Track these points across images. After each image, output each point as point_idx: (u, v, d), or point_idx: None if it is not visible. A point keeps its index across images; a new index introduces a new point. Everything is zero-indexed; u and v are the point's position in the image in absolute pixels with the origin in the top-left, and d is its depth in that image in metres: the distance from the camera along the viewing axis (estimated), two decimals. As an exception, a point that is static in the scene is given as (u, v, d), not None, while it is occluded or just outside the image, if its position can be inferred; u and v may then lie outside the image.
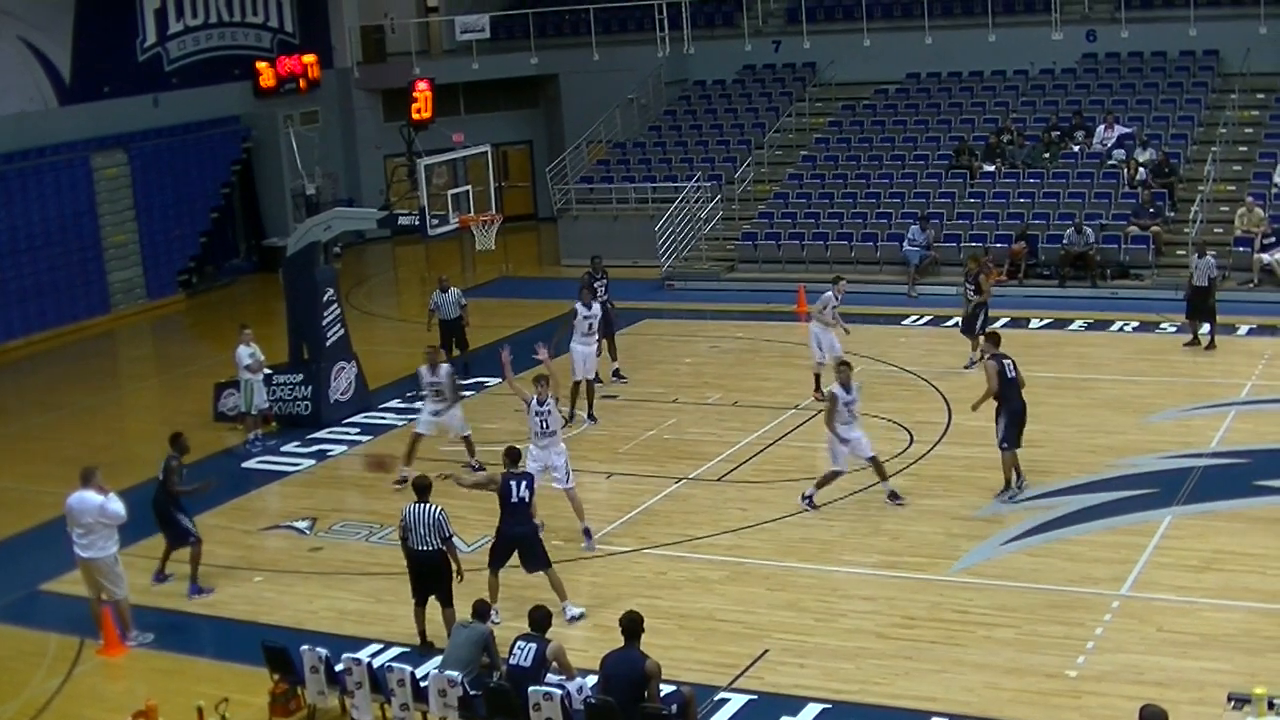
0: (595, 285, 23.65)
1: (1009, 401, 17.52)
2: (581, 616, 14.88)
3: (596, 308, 21.97)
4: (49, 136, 30.99)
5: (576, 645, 13.56)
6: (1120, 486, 17.52)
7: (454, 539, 14.43)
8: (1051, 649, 13.55)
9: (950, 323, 26.26)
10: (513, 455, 15.23)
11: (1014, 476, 17.57)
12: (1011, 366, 17.73)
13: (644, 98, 36.72)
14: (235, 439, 22.24)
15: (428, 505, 14.30)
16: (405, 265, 37.10)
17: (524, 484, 14.84)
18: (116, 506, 15.01)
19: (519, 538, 14.85)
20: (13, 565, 17.87)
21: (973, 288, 23.11)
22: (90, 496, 15.04)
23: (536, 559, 14.90)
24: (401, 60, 38.20)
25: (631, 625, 11.95)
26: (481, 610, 13.12)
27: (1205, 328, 23.47)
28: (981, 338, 21.27)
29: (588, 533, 16.83)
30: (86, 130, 31.80)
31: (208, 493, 17.45)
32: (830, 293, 21.81)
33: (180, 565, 16.57)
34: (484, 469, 18.51)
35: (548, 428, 16.80)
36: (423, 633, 14.45)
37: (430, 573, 14.25)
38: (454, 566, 14.34)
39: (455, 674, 12.28)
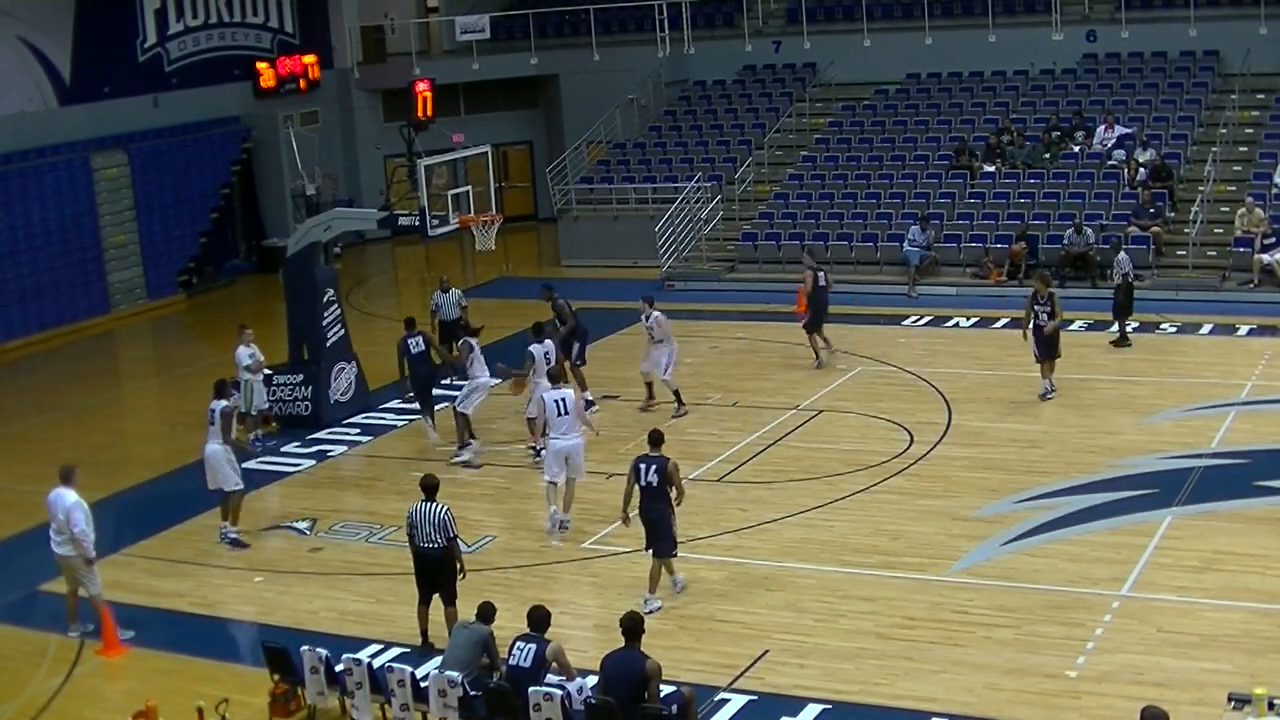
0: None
1: (816, 303, 23.54)
2: (658, 609, 14.89)
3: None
4: (49, 136, 30.99)
5: (576, 645, 13.56)
6: (1120, 487, 17.52)
7: (458, 539, 14.44)
8: (1051, 649, 13.55)
9: (950, 323, 26.31)
10: (653, 439, 15.36)
11: (819, 351, 23.54)
12: (824, 277, 23.77)
13: (644, 98, 36.72)
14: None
15: (434, 504, 14.34)
16: (405, 266, 37.09)
17: (653, 468, 14.94)
18: (79, 518, 15.03)
19: (650, 520, 14.99)
20: (12, 565, 17.88)
21: (1046, 310, 21.09)
22: (66, 494, 15.12)
23: (660, 542, 14.97)
24: (401, 60, 38.20)
25: (632, 626, 11.95)
26: (485, 612, 13.11)
27: (1127, 325, 23.84)
28: (1045, 362, 21.15)
29: (564, 525, 17.37)
30: (86, 130, 31.80)
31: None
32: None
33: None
34: None
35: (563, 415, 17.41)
36: (424, 631, 14.45)
37: (435, 570, 14.28)
38: (458, 565, 14.35)
39: (455, 674, 12.28)
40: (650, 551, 15.09)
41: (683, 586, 15.36)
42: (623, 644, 11.92)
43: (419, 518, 14.30)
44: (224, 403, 17.86)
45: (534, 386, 19.61)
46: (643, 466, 15.02)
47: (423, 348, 21.08)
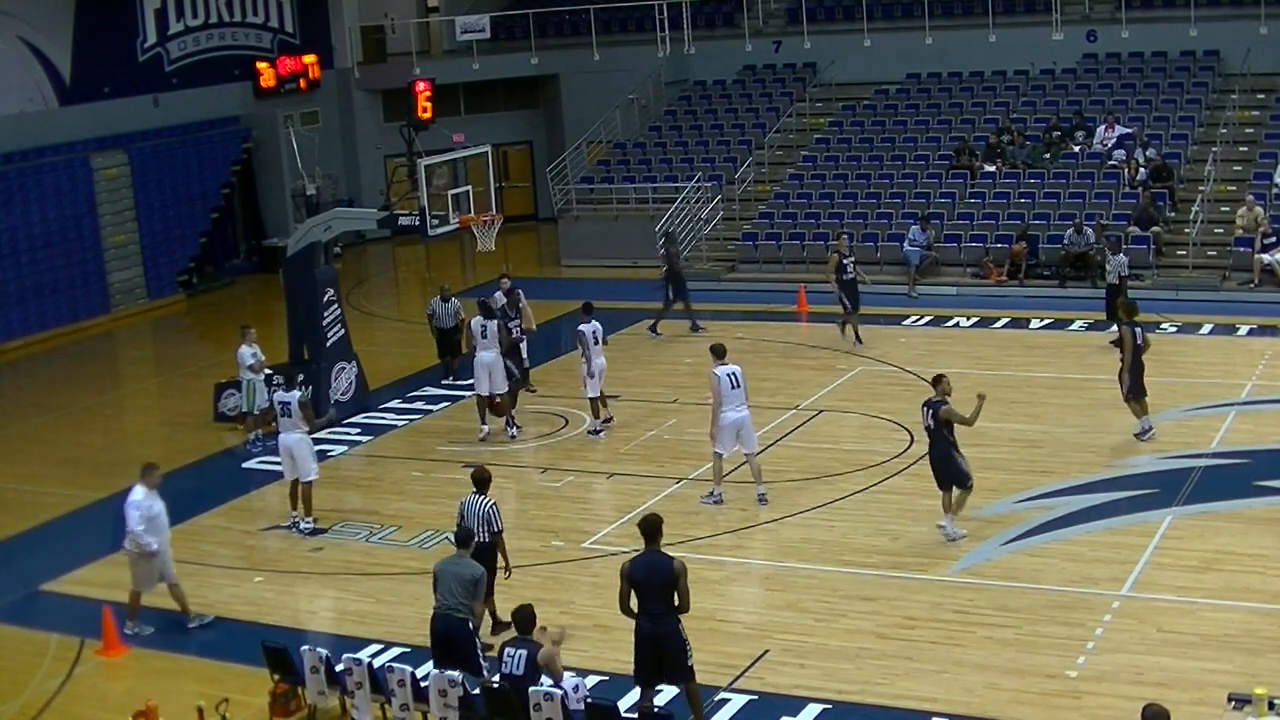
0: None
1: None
2: (959, 536, 16.18)
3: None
4: (49, 136, 31.00)
5: (577, 646, 13.55)
6: (1120, 486, 17.51)
7: (502, 534, 14.33)
8: (1052, 649, 13.55)
9: (951, 323, 26.30)
10: (935, 382, 16.59)
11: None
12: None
13: (644, 98, 36.72)
14: (235, 439, 22.25)
15: (482, 498, 14.31)
16: (405, 266, 37.08)
17: (930, 412, 16.32)
18: (132, 515, 15.08)
19: (932, 459, 16.46)
20: (13, 565, 17.88)
21: (1117, 345, 19.79)
22: (134, 490, 15.24)
23: (950, 477, 16.25)
24: (402, 60, 38.22)
25: (650, 528, 12.04)
26: (464, 538, 13.13)
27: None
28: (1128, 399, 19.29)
29: (762, 498, 17.78)
30: (86, 130, 31.80)
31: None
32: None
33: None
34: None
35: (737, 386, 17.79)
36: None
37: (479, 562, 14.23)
38: (502, 561, 14.31)
39: (455, 674, 12.24)
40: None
41: (952, 537, 16.13)
42: (644, 547, 12.00)
43: (466, 510, 14.26)
44: (297, 393, 18.20)
45: (584, 363, 20.94)
46: (925, 410, 16.41)
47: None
